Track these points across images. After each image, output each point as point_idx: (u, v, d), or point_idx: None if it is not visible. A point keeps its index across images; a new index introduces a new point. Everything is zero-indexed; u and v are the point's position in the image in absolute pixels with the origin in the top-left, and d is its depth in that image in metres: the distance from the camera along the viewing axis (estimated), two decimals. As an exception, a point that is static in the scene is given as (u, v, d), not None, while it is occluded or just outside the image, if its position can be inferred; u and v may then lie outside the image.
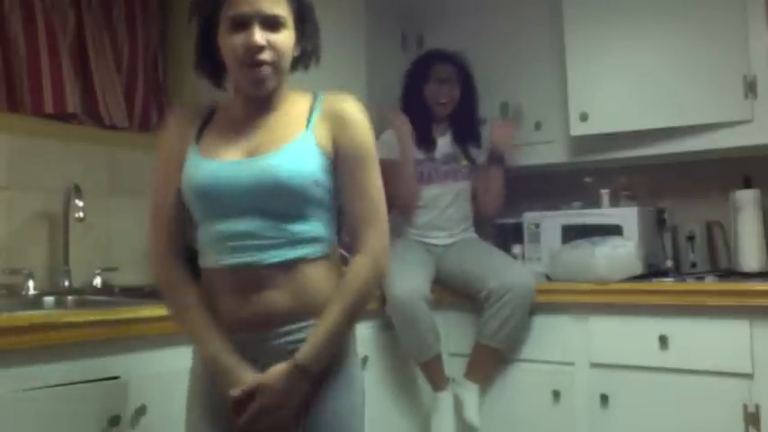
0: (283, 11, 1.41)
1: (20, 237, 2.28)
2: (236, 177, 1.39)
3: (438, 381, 2.55)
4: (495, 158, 2.87)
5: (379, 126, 2.93)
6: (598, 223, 2.79)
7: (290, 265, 1.39)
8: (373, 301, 2.38)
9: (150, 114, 2.69)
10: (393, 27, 3.22)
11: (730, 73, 2.59)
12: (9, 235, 2.25)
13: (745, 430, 2.23)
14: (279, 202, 1.38)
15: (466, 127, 2.91)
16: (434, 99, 2.86)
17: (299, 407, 1.38)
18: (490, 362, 2.59)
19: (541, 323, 2.60)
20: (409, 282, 2.46)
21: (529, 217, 2.97)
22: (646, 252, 2.63)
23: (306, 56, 1.51)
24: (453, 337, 2.70)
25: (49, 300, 2.16)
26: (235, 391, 1.35)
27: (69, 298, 2.19)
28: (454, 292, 2.70)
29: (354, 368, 1.48)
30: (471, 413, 2.54)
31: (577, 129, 2.84)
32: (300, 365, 1.35)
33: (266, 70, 1.40)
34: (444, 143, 2.88)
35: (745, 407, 2.24)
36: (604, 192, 2.90)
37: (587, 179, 2.95)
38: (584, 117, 2.81)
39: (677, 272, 2.80)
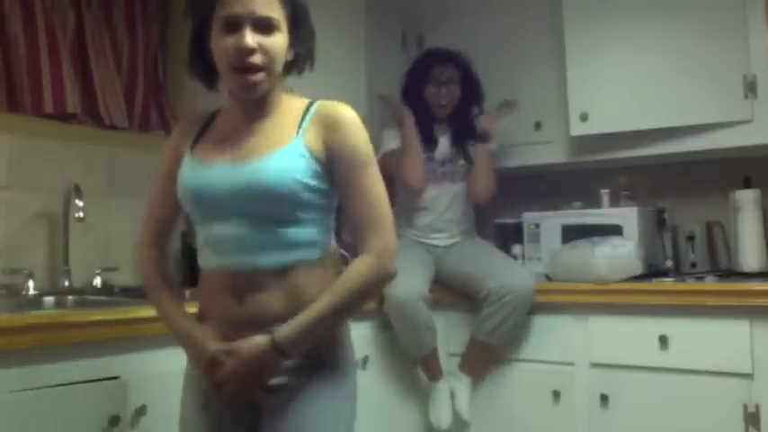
0: (277, 13, 1.40)
1: (20, 237, 2.28)
2: (225, 182, 1.40)
3: (435, 372, 2.60)
4: (479, 135, 2.85)
5: (385, 119, 2.95)
6: (598, 223, 2.79)
7: (283, 269, 1.40)
8: (372, 301, 2.38)
9: (150, 114, 2.69)
10: (393, 27, 3.22)
11: (730, 73, 2.59)
12: (9, 235, 2.25)
13: (745, 430, 2.23)
14: (269, 206, 1.38)
15: (465, 127, 2.89)
16: (435, 101, 2.85)
17: (268, 382, 1.38)
18: (484, 357, 2.63)
19: (541, 323, 2.60)
20: (408, 282, 2.46)
21: (529, 217, 2.97)
22: (646, 252, 2.63)
23: (300, 60, 1.49)
24: (453, 337, 2.70)
25: (49, 300, 2.16)
26: (212, 347, 1.38)
27: (69, 298, 2.19)
28: (454, 292, 2.71)
29: (345, 372, 1.46)
30: (462, 406, 2.59)
31: (577, 129, 2.84)
32: (276, 341, 1.35)
33: (257, 75, 1.39)
34: (444, 144, 2.88)
35: (745, 407, 2.24)
36: (604, 192, 2.91)
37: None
38: (584, 117, 2.81)
39: (677, 272, 2.80)
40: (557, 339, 2.57)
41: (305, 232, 1.41)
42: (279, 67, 1.42)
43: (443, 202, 2.84)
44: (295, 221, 1.40)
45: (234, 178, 1.39)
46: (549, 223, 2.91)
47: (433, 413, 2.60)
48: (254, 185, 1.37)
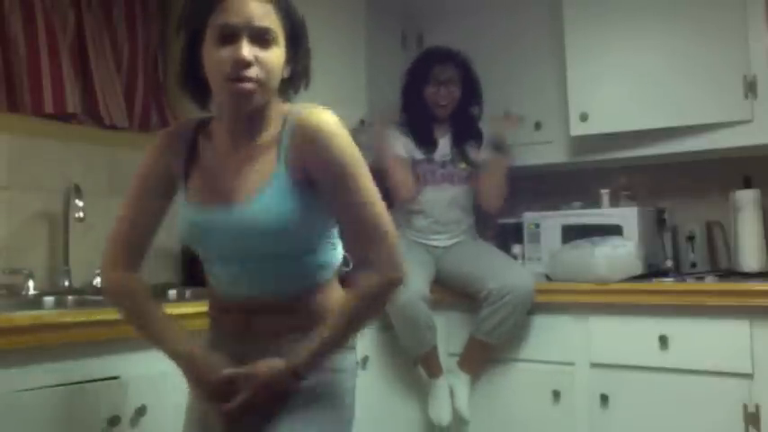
0: (275, 25, 1.33)
1: (20, 237, 2.28)
2: (222, 227, 1.36)
3: (435, 369, 2.61)
4: (494, 147, 2.84)
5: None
6: (598, 223, 2.79)
7: (296, 295, 1.39)
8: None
9: (150, 114, 2.69)
10: (393, 26, 3.22)
11: (730, 73, 2.59)
12: (9, 235, 2.25)
13: (745, 430, 2.23)
14: (268, 245, 1.35)
15: (466, 128, 2.89)
16: (434, 101, 2.84)
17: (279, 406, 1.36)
18: (483, 355, 2.64)
19: (541, 323, 2.60)
20: (409, 282, 2.46)
21: (529, 217, 2.97)
22: (646, 252, 2.63)
23: (296, 78, 1.41)
24: (453, 336, 2.70)
25: (49, 300, 2.16)
26: (226, 371, 1.33)
27: (69, 298, 2.19)
28: (454, 292, 2.71)
29: (345, 392, 1.43)
30: (461, 404, 2.60)
31: (577, 129, 2.84)
32: (294, 368, 1.33)
33: (252, 85, 1.31)
34: (444, 144, 2.87)
35: (745, 407, 2.24)
36: (604, 192, 2.91)
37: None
38: (584, 117, 2.81)
39: (677, 272, 2.80)
40: (557, 339, 2.57)
41: (312, 259, 1.40)
42: (275, 83, 1.35)
43: (442, 204, 2.83)
44: (299, 253, 1.38)
45: (229, 222, 1.35)
46: (549, 223, 2.91)
47: (432, 410, 2.61)
48: (248, 229, 1.34)
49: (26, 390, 1.57)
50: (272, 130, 1.38)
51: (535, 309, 2.58)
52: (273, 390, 1.33)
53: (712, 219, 2.87)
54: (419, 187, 2.82)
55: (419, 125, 2.84)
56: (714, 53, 2.62)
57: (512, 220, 3.05)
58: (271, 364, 1.33)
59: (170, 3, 2.80)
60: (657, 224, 2.85)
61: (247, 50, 1.29)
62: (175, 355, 1.40)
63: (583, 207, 2.93)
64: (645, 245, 2.67)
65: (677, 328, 2.37)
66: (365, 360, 2.40)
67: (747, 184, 2.70)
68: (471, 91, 2.89)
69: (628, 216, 2.75)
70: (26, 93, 2.30)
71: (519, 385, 2.62)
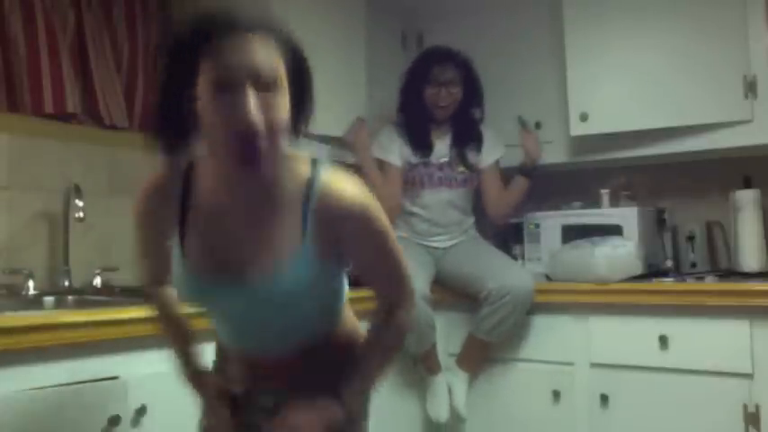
0: (279, 66, 1.14)
1: (20, 237, 2.28)
2: (231, 301, 1.25)
3: (433, 366, 2.63)
4: (526, 171, 2.83)
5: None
6: (598, 223, 2.79)
7: (309, 345, 1.34)
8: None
9: (150, 114, 2.69)
10: (393, 26, 3.22)
11: (730, 73, 2.59)
12: (9, 235, 2.25)
13: (745, 430, 2.24)
14: (287, 317, 1.28)
15: (467, 130, 2.87)
16: (434, 102, 2.81)
17: None
18: (482, 354, 2.65)
19: (541, 323, 2.60)
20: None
21: (529, 217, 2.98)
22: (646, 252, 2.63)
23: (300, 122, 1.21)
24: (453, 336, 2.70)
25: (49, 300, 2.16)
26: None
27: (69, 298, 2.19)
28: (454, 292, 2.71)
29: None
30: (459, 402, 2.61)
31: (577, 129, 2.84)
32: (348, 411, 1.30)
33: (262, 147, 1.10)
34: (443, 147, 2.85)
35: (745, 407, 2.24)
36: (604, 192, 2.90)
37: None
38: (584, 117, 2.81)
39: (677, 272, 2.80)
40: (557, 339, 2.57)
41: (326, 314, 1.36)
42: (285, 131, 1.15)
43: (440, 206, 2.82)
44: (314, 313, 1.32)
45: (243, 298, 1.23)
46: (549, 223, 2.92)
47: (431, 406, 2.62)
48: (266, 305, 1.24)
49: (26, 390, 1.57)
50: (288, 186, 1.21)
51: (535, 309, 2.58)
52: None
53: (712, 219, 2.87)
54: (416, 190, 2.82)
55: (416, 127, 2.83)
56: (714, 53, 2.62)
57: (512, 220, 3.05)
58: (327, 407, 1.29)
59: (170, 3, 2.80)
60: (657, 224, 2.85)
61: (254, 105, 1.09)
62: (186, 376, 1.42)
63: (583, 207, 2.93)
64: (645, 245, 2.67)
65: (677, 328, 2.37)
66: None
67: (747, 184, 2.70)
68: (472, 92, 2.87)
69: (628, 216, 2.75)
70: (26, 93, 2.30)
71: (519, 385, 2.62)
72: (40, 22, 2.32)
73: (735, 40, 2.59)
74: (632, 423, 2.41)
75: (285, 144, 1.16)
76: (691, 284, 2.44)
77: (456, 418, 2.63)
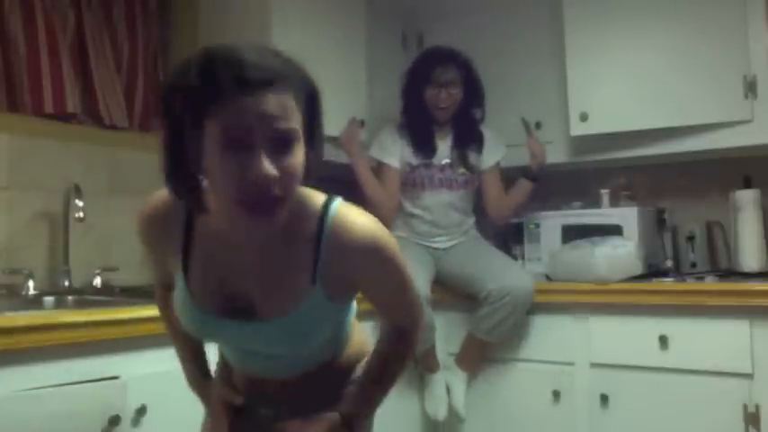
0: (296, 120, 1.04)
1: (20, 237, 2.28)
2: (240, 338, 1.24)
3: (431, 365, 2.63)
4: (531, 175, 2.83)
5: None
6: (598, 223, 2.79)
7: (321, 363, 1.33)
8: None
9: (150, 114, 2.69)
10: (393, 27, 3.22)
11: (730, 73, 2.59)
12: (9, 235, 2.25)
13: (745, 430, 2.24)
14: (293, 352, 1.27)
15: (468, 131, 2.86)
16: (435, 103, 2.79)
17: None
18: (481, 353, 2.66)
19: (541, 323, 2.60)
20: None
21: (529, 217, 2.98)
22: (646, 252, 2.63)
23: (311, 170, 1.11)
24: (452, 336, 2.70)
25: (49, 300, 2.16)
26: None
27: (69, 298, 2.19)
28: (454, 293, 2.71)
29: None
30: (458, 401, 2.62)
31: (577, 129, 2.84)
32: (350, 421, 1.30)
33: (276, 209, 1.05)
34: (445, 148, 2.83)
35: (745, 407, 2.24)
36: (604, 192, 2.91)
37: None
38: (584, 117, 2.81)
39: (677, 272, 2.80)
40: (556, 339, 2.57)
41: (333, 344, 1.34)
42: (299, 178, 1.07)
43: (441, 207, 2.82)
44: (321, 344, 1.30)
45: (254, 336, 1.21)
46: (549, 223, 2.92)
47: (429, 404, 2.62)
48: (271, 343, 1.22)
49: (26, 390, 1.57)
50: (298, 223, 1.16)
51: (535, 309, 2.58)
52: None
53: (712, 219, 2.87)
54: (417, 192, 2.81)
55: (418, 129, 2.81)
56: (714, 53, 2.62)
57: (512, 220, 3.05)
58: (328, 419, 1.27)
59: (170, 3, 2.80)
60: (657, 224, 2.85)
61: (269, 168, 1.00)
62: (191, 383, 1.42)
63: (583, 207, 2.93)
64: (645, 245, 2.67)
65: (677, 328, 2.37)
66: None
67: (747, 184, 2.70)
68: (473, 93, 2.85)
69: (628, 216, 2.75)
70: (26, 93, 2.30)
71: (519, 385, 2.62)
72: (40, 22, 2.32)
73: (735, 40, 2.59)
74: (632, 423, 2.41)
75: (298, 188, 1.09)
76: (691, 284, 2.44)
77: (455, 418, 2.63)
